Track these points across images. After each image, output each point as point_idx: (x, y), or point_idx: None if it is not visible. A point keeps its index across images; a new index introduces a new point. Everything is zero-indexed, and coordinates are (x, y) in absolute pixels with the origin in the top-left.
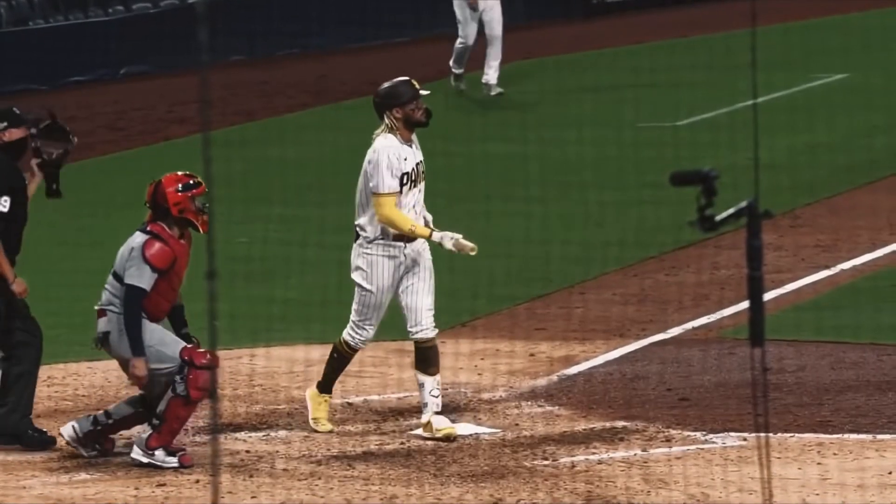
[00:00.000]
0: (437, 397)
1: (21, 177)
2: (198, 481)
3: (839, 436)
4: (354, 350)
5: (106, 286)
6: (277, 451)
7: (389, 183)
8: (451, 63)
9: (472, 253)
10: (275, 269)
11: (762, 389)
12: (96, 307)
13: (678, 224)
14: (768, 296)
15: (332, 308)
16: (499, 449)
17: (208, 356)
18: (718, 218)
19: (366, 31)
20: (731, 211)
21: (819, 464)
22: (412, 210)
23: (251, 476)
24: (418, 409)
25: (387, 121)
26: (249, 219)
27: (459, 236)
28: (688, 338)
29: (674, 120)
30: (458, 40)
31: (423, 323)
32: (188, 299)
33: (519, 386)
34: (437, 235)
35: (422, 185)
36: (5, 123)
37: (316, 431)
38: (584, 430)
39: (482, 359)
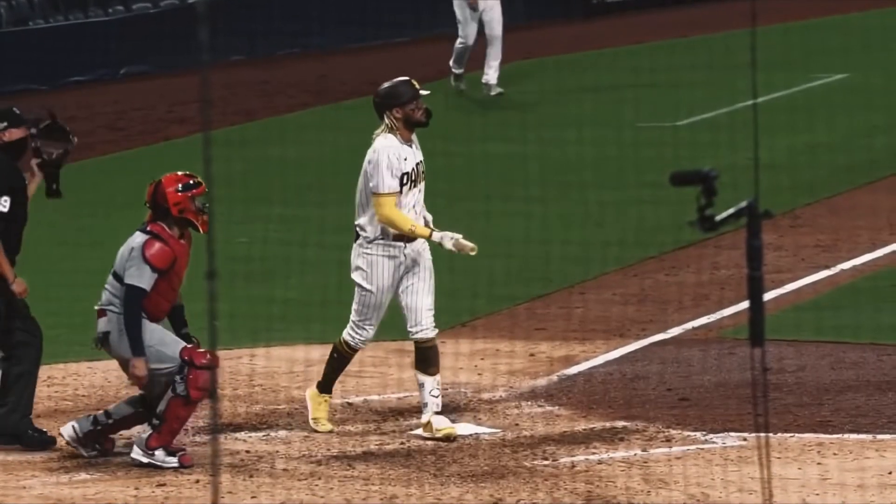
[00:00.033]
0: (437, 397)
1: (21, 177)
2: (198, 481)
3: (839, 436)
4: (354, 350)
5: (106, 286)
6: (277, 451)
7: (389, 183)
8: (451, 63)
9: (472, 253)
10: (275, 269)
11: (762, 389)
12: (96, 307)
13: (678, 224)
14: (768, 296)
15: (332, 308)
16: (499, 449)
17: (208, 356)
18: (718, 218)
19: (366, 31)
20: (731, 211)
21: (819, 464)
22: (412, 210)
23: (251, 476)
24: (418, 409)
25: (387, 121)
26: (249, 219)
27: (459, 236)
28: (688, 338)
29: (674, 120)
30: (459, 40)
31: (424, 323)
32: (188, 299)
33: (519, 386)
34: (436, 235)
35: (422, 186)
36: (5, 123)
37: (316, 431)
38: (584, 430)
39: (482, 359)
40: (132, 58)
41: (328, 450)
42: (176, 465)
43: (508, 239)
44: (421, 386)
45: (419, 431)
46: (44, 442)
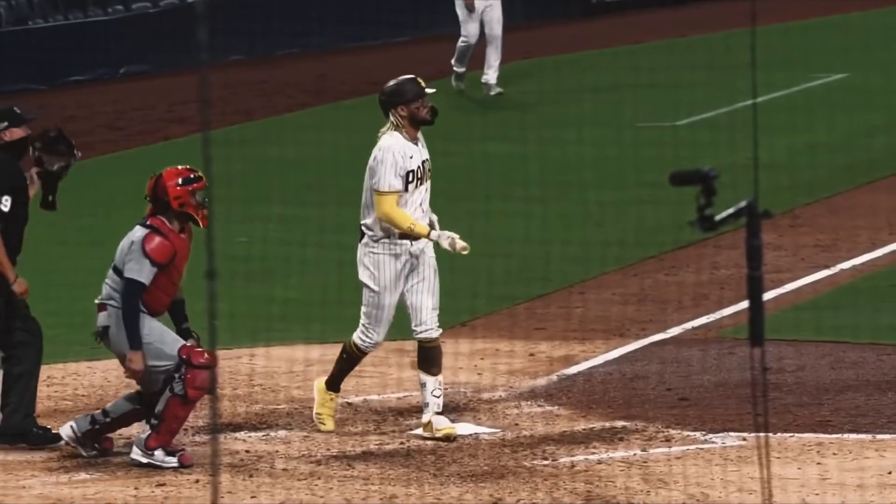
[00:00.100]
0: (438, 397)
1: (22, 176)
2: (197, 481)
3: (839, 436)
4: (364, 353)
5: (106, 280)
6: (277, 451)
7: (392, 181)
8: (452, 62)
9: (465, 252)
10: (274, 268)
11: (762, 389)
12: (96, 301)
13: (678, 224)
14: (768, 295)
15: (331, 308)
16: (498, 449)
17: (206, 355)
18: (718, 218)
19: (365, 30)
20: (730, 211)
21: (819, 464)
22: (419, 208)
23: (251, 476)
24: (418, 409)
25: (392, 119)
26: (249, 218)
27: (456, 236)
28: (687, 337)
29: (673, 120)
30: (461, 38)
31: (428, 322)
32: (188, 299)
33: (518, 386)
34: (434, 234)
35: (428, 184)
36: (6, 123)
37: (317, 431)
38: (584, 429)
39: (482, 358)
40: (132, 57)
41: (328, 449)
42: (175, 464)
43: (508, 239)
44: (423, 386)
45: (419, 431)
46: (49, 439)
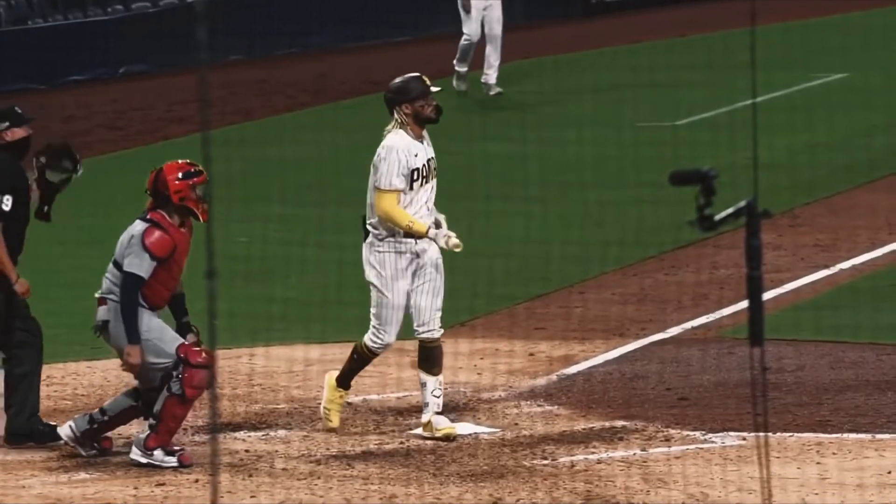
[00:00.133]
0: (438, 397)
1: (24, 176)
2: (197, 481)
3: (838, 435)
4: (375, 354)
5: (106, 274)
6: (277, 451)
7: (393, 180)
8: (455, 61)
9: (457, 250)
10: (274, 268)
11: (761, 389)
12: (96, 295)
13: (677, 223)
14: (767, 295)
15: (331, 308)
16: (498, 448)
17: (203, 354)
18: (717, 217)
19: (365, 30)
20: (730, 210)
21: (818, 463)
22: (424, 206)
23: (250, 475)
24: (418, 409)
25: (397, 116)
26: (249, 218)
27: (452, 234)
28: (687, 337)
29: (673, 119)
30: (464, 37)
31: (430, 323)
32: (188, 299)
33: (518, 385)
34: (432, 232)
35: (434, 182)
36: (7, 123)
37: (317, 431)
38: (584, 429)
39: (481, 358)
40: (131, 57)
41: (327, 449)
42: (175, 464)
43: (508, 239)
44: (423, 385)
45: (419, 431)
46: (56, 435)
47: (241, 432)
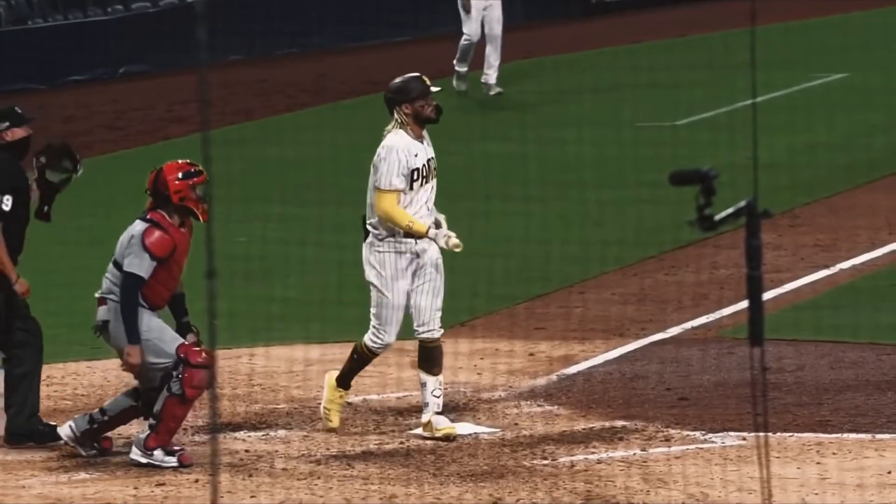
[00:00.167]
0: (438, 397)
1: (24, 176)
2: (197, 481)
3: (838, 435)
4: (375, 354)
5: (107, 274)
6: (277, 451)
7: (393, 180)
8: (455, 61)
9: (457, 249)
10: (274, 268)
11: (761, 389)
12: (96, 295)
13: (677, 223)
14: (767, 295)
15: (331, 307)
16: (498, 448)
17: (203, 354)
18: (717, 217)
19: (365, 30)
20: (730, 210)
21: (818, 463)
22: (424, 206)
23: (250, 475)
24: (418, 409)
25: (397, 116)
26: (248, 218)
27: (452, 234)
28: (687, 337)
29: (673, 119)
30: (464, 37)
31: (430, 323)
32: (188, 299)
33: (518, 385)
34: (432, 232)
35: (434, 182)
36: (7, 123)
37: (317, 431)
38: (584, 429)
39: (481, 358)
40: (131, 57)
41: (327, 449)
42: (175, 464)
43: (508, 239)
44: (423, 385)
45: (419, 431)
46: (56, 435)
47: (241, 432)
